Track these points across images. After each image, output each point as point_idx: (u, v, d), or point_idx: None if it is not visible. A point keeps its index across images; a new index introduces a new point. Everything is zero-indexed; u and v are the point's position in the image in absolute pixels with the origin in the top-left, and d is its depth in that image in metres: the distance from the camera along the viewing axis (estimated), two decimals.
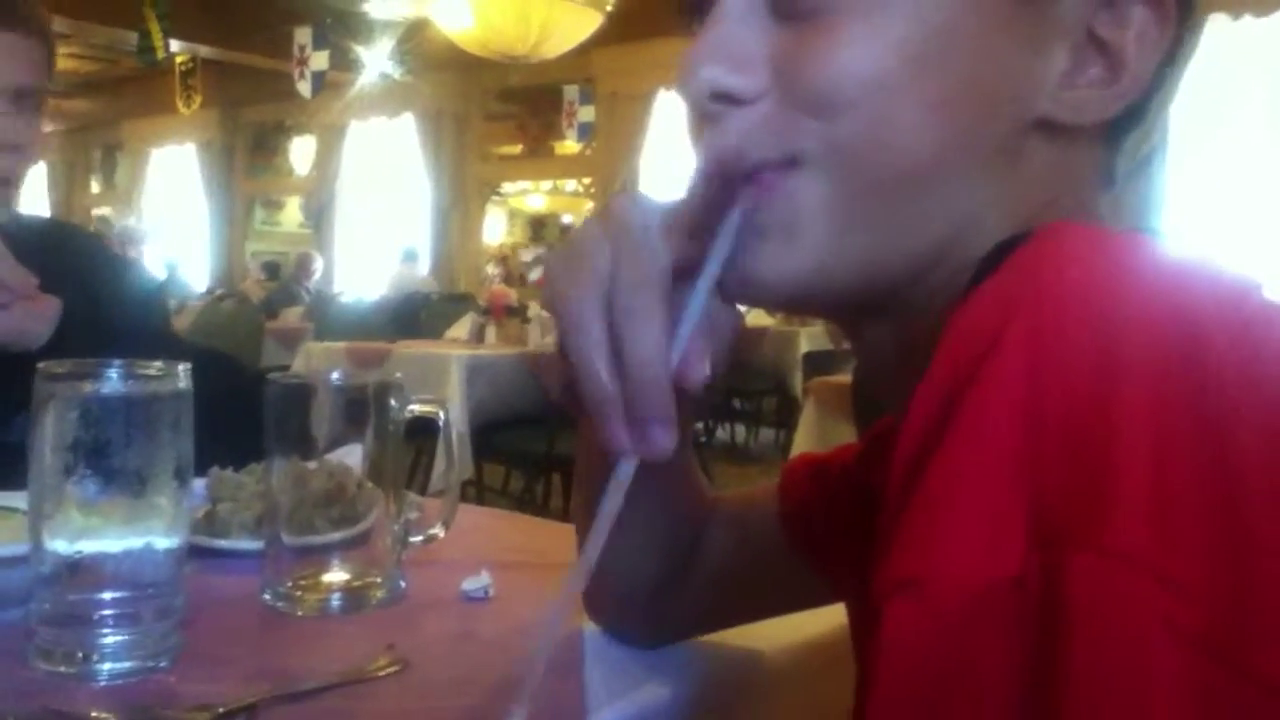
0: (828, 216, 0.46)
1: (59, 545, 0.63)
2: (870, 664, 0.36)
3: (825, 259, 0.47)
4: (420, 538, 0.84)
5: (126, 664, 0.63)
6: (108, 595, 0.64)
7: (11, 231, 1.12)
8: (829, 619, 0.72)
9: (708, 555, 0.70)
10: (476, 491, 4.01)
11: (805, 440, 3.22)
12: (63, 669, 0.63)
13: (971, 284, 0.41)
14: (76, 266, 1.22)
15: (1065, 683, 0.30)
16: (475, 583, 0.82)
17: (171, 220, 11.42)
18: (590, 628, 0.74)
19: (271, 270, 10.35)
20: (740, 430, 6.96)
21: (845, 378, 3.31)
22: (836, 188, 0.46)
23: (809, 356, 5.79)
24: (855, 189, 0.46)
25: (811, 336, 6.00)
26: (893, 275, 0.47)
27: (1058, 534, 0.32)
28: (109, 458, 0.63)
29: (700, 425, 5.85)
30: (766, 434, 6.82)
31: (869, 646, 0.37)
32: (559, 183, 12.26)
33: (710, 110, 0.48)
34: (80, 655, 0.63)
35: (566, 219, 13.72)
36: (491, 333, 4.62)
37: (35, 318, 1.01)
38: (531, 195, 13.85)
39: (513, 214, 14.41)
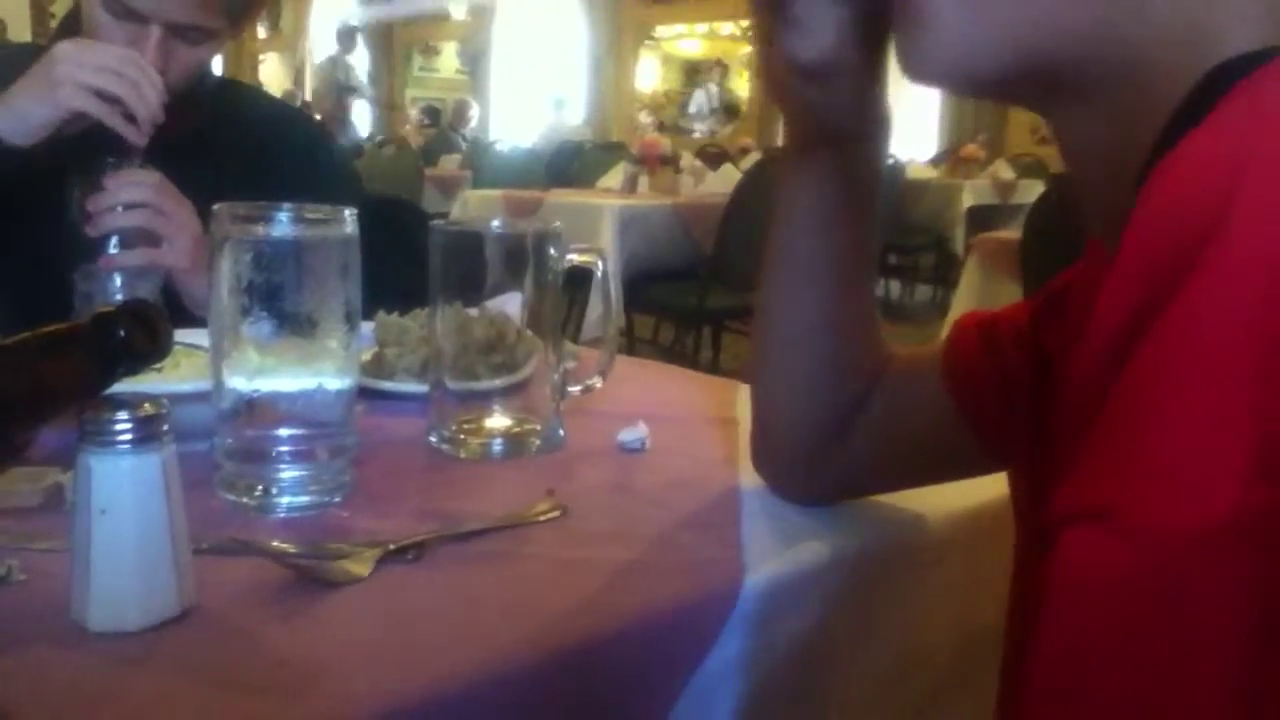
0: None
1: (238, 383, 0.66)
2: (1044, 589, 0.33)
3: (964, 36, 0.42)
4: (578, 388, 0.85)
5: (303, 498, 0.66)
6: (284, 432, 0.66)
7: (184, 94, 1.15)
8: (994, 487, 0.69)
9: (873, 411, 0.68)
10: (627, 342, 4.06)
11: (966, 299, 3.11)
12: (245, 500, 0.66)
13: (1186, 112, 0.35)
14: (251, 124, 1.25)
15: None
16: (632, 434, 0.82)
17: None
18: (748, 485, 0.73)
19: (432, 115, 10.44)
20: (895, 287, 6.79)
21: (1012, 234, 3.16)
22: None
23: (972, 211, 5.56)
24: None
25: (976, 190, 5.74)
26: (1054, 59, 0.41)
27: None
28: (281, 300, 0.65)
29: None
30: (923, 291, 6.63)
31: (1039, 567, 0.34)
32: (714, 25, 11.88)
33: None
34: (260, 488, 0.66)
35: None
36: (644, 182, 4.58)
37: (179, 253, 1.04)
38: (686, 40, 13.48)
39: (666, 59, 14.07)
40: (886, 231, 5.12)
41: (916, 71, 0.44)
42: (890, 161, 4.76)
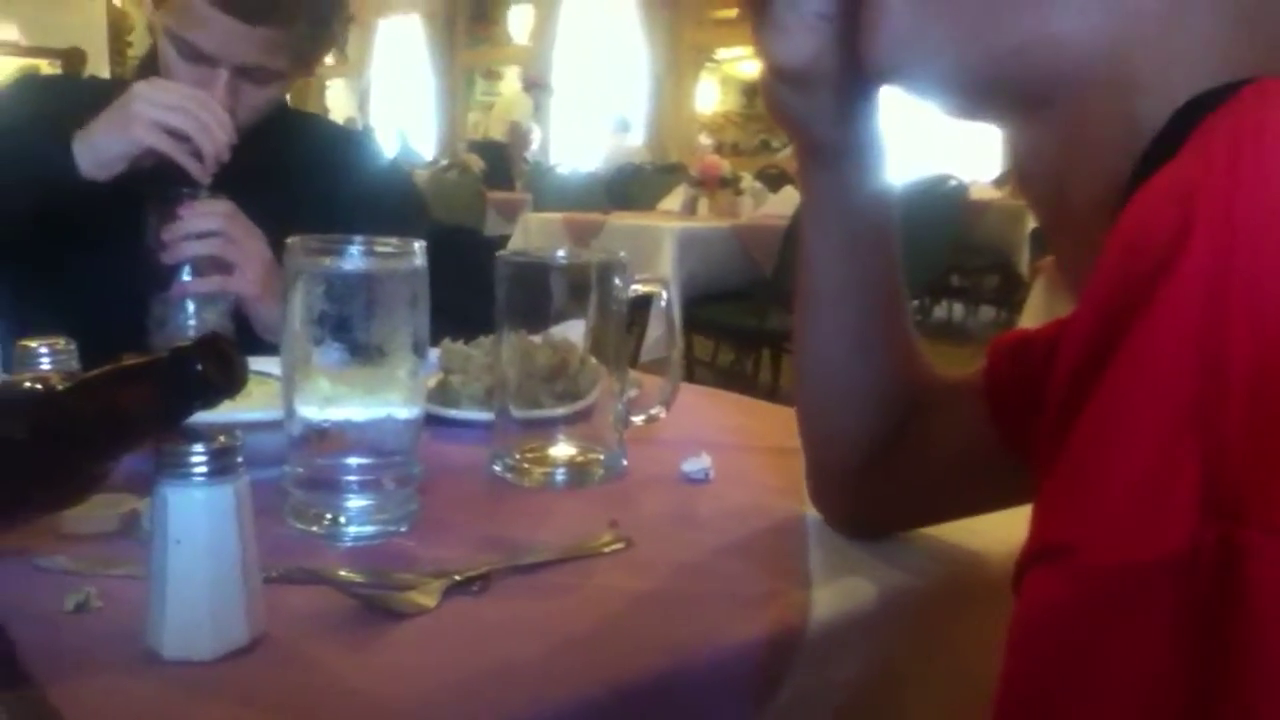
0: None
1: (309, 412, 0.67)
2: (1009, 633, 0.33)
3: (907, 42, 0.43)
4: (642, 417, 0.85)
5: (369, 528, 0.67)
6: (353, 461, 0.67)
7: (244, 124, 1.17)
8: None
9: (915, 436, 0.66)
10: (686, 364, 4.06)
11: (1032, 321, 3.06)
12: (313, 529, 0.67)
13: (1156, 148, 0.35)
14: (316, 152, 1.27)
15: (1249, 685, 0.26)
16: (695, 464, 0.81)
17: (399, 91, 11.84)
18: (813, 516, 0.72)
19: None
20: (959, 308, 6.71)
21: None
22: None
23: (1037, 233, 5.47)
24: None
25: None
26: (1001, 74, 0.42)
27: (1239, 507, 0.27)
28: (352, 330, 0.66)
29: (916, 303, 5.66)
30: (986, 312, 6.54)
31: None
32: None
33: None
34: (328, 517, 0.67)
35: None
36: (703, 204, 4.58)
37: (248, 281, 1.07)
38: (745, 61, 13.49)
39: (725, 81, 14.10)
40: (949, 252, 5.07)
41: (871, 66, 0.46)
42: (953, 182, 4.72)
